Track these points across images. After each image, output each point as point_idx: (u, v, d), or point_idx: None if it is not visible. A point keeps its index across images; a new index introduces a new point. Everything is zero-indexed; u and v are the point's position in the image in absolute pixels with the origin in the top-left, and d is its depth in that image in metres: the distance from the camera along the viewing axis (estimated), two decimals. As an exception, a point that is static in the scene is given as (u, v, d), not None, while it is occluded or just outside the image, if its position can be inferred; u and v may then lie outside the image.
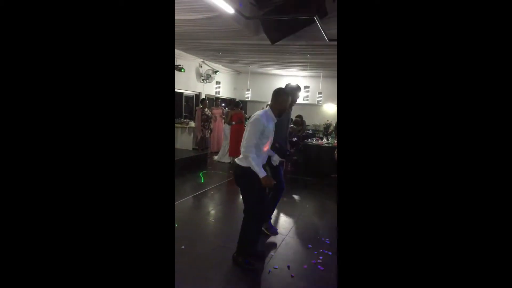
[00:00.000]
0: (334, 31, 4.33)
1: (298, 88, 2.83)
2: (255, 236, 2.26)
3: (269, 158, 2.45)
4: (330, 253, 2.55)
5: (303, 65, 7.19)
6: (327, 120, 8.27)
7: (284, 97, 2.19)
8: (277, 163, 2.53)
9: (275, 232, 2.87)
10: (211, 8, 3.49)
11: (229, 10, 3.44)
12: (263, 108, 2.30)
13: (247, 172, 2.09)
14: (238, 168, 2.16)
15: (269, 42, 4.79)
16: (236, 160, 2.21)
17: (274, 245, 2.65)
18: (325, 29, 4.15)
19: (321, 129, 8.19)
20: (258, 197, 2.15)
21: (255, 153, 2.06)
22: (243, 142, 2.07)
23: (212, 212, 3.51)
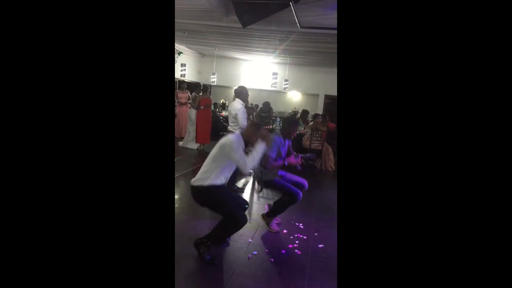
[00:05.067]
0: (305, 18, 4.34)
1: (295, 121, 2.85)
2: (228, 236, 2.24)
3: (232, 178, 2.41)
4: (305, 237, 2.63)
5: (271, 51, 7.14)
6: (294, 108, 8.40)
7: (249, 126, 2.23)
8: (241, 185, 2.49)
9: (275, 228, 2.77)
10: (182, -16, 3.27)
11: (202, -13, 3.25)
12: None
13: (210, 190, 2.05)
14: (198, 189, 2.08)
15: (238, 25, 4.65)
16: (193, 182, 2.11)
17: (250, 231, 2.66)
18: (298, 16, 4.13)
19: (286, 116, 8.32)
20: (231, 205, 2.08)
21: (245, 161, 2.01)
22: (242, 167, 2.02)
23: (179, 201, 3.40)
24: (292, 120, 2.81)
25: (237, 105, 3.56)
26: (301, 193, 2.65)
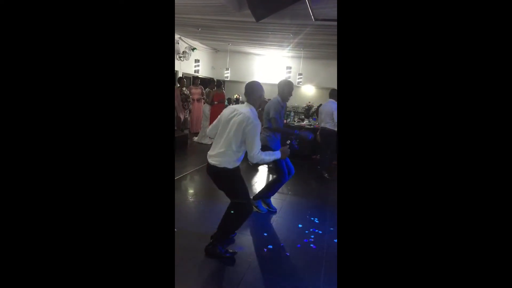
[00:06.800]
0: (320, 10, 4.26)
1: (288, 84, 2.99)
2: (238, 227, 2.22)
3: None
4: (320, 231, 2.62)
5: (285, 44, 7.07)
6: (309, 102, 8.31)
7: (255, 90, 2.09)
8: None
9: (274, 209, 3.02)
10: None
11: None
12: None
13: (226, 172, 2.00)
14: (214, 170, 2.02)
15: (251, 19, 4.61)
16: (210, 160, 2.04)
17: (265, 225, 2.68)
18: (312, 8, 4.06)
19: (300, 110, 8.24)
20: (243, 192, 2.07)
21: (260, 152, 1.94)
22: (250, 152, 1.92)
23: (194, 196, 3.45)
24: (287, 83, 2.93)
25: (332, 105, 4.30)
26: (287, 177, 2.84)
